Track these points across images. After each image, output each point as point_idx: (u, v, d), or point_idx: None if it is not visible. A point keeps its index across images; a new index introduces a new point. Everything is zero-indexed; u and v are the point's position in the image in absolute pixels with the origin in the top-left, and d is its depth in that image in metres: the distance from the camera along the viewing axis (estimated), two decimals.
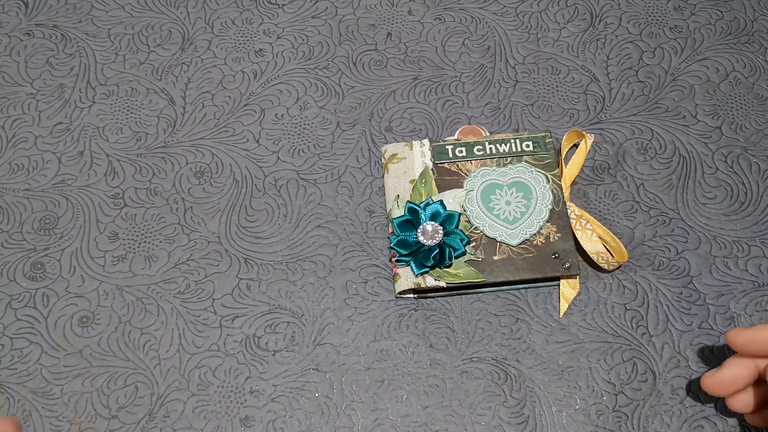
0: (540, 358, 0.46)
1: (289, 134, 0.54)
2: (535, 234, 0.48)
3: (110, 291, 0.49)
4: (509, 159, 0.51)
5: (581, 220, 0.48)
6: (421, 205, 0.49)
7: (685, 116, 0.54)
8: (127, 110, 0.56)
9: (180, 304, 0.49)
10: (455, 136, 0.53)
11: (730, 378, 0.41)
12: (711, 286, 0.48)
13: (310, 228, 0.51)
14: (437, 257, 0.47)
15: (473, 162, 0.51)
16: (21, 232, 0.51)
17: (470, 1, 0.59)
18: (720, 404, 0.45)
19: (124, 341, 0.47)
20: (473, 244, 0.48)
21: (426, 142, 0.51)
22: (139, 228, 0.51)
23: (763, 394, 0.41)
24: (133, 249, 0.50)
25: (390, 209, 0.50)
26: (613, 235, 0.48)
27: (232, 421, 0.45)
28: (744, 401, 0.41)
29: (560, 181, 0.50)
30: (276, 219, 0.51)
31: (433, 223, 0.48)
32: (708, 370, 0.43)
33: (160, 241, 0.51)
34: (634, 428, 0.44)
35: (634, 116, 0.54)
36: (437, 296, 0.48)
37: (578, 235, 0.48)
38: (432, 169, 0.50)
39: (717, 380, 0.41)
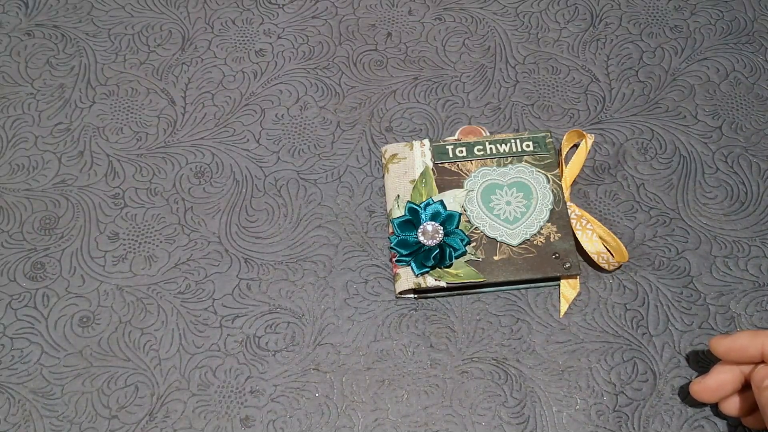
0: (540, 358, 0.46)
1: (289, 134, 0.54)
2: (535, 234, 0.48)
3: (110, 291, 0.49)
4: (509, 159, 0.51)
5: (581, 220, 0.48)
6: (422, 205, 0.49)
7: (685, 116, 0.54)
8: (128, 110, 0.56)
9: (180, 304, 0.48)
10: (455, 136, 0.53)
11: (717, 384, 0.41)
12: (711, 286, 0.48)
13: (310, 228, 0.51)
14: (437, 257, 0.47)
15: (473, 162, 0.51)
16: (21, 232, 0.51)
17: (470, 1, 0.59)
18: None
19: (124, 341, 0.47)
20: (473, 244, 0.48)
21: (426, 142, 0.51)
22: (139, 228, 0.51)
23: (753, 398, 0.41)
24: (134, 249, 0.50)
25: (390, 209, 0.50)
26: (614, 235, 0.48)
27: (232, 421, 0.45)
28: (735, 406, 0.42)
29: (560, 181, 0.50)
30: (276, 219, 0.51)
31: (433, 223, 0.48)
32: (697, 376, 0.43)
33: (161, 241, 0.51)
34: (634, 428, 0.44)
35: (635, 116, 0.54)
36: (437, 296, 0.48)
37: (578, 235, 0.48)
38: (432, 169, 0.50)
39: (704, 387, 0.41)
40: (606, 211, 0.51)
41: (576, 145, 0.52)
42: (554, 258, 0.47)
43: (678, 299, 0.48)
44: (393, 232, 0.49)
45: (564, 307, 0.47)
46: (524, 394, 0.45)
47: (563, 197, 0.49)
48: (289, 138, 0.54)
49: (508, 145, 0.51)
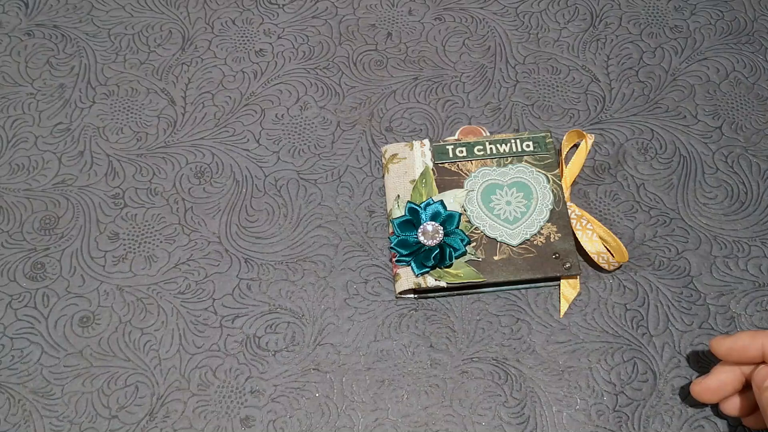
0: (540, 358, 0.46)
1: (289, 134, 0.54)
2: (535, 234, 0.48)
3: (110, 291, 0.49)
4: (509, 159, 0.51)
5: (581, 220, 0.48)
6: (422, 205, 0.49)
7: (685, 116, 0.54)
8: (128, 110, 0.56)
9: (180, 304, 0.48)
10: (455, 136, 0.53)
11: (718, 385, 0.41)
12: (711, 286, 0.48)
13: (310, 228, 0.51)
14: (437, 257, 0.47)
15: (473, 162, 0.51)
16: (21, 232, 0.51)
17: (470, 1, 0.59)
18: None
19: (124, 341, 0.47)
20: (473, 244, 0.48)
21: (426, 142, 0.51)
22: (139, 228, 0.51)
23: (754, 398, 0.41)
24: (134, 249, 0.50)
25: (390, 209, 0.50)
26: (614, 235, 0.48)
27: (232, 421, 0.45)
28: (735, 406, 0.42)
29: (560, 181, 0.50)
30: (276, 219, 0.51)
31: (433, 223, 0.48)
32: (697, 377, 0.43)
33: (161, 242, 0.51)
34: (634, 428, 0.44)
35: (635, 116, 0.54)
36: (437, 296, 0.48)
37: (578, 235, 0.48)
38: (432, 169, 0.50)
39: (705, 387, 0.42)
40: (606, 211, 0.51)
41: (576, 145, 0.52)
42: (554, 258, 0.47)
43: (678, 299, 0.48)
44: (393, 232, 0.49)
45: (564, 307, 0.47)
46: (524, 394, 0.45)
47: (563, 197, 0.49)
48: (289, 138, 0.54)
49: (508, 145, 0.51)
